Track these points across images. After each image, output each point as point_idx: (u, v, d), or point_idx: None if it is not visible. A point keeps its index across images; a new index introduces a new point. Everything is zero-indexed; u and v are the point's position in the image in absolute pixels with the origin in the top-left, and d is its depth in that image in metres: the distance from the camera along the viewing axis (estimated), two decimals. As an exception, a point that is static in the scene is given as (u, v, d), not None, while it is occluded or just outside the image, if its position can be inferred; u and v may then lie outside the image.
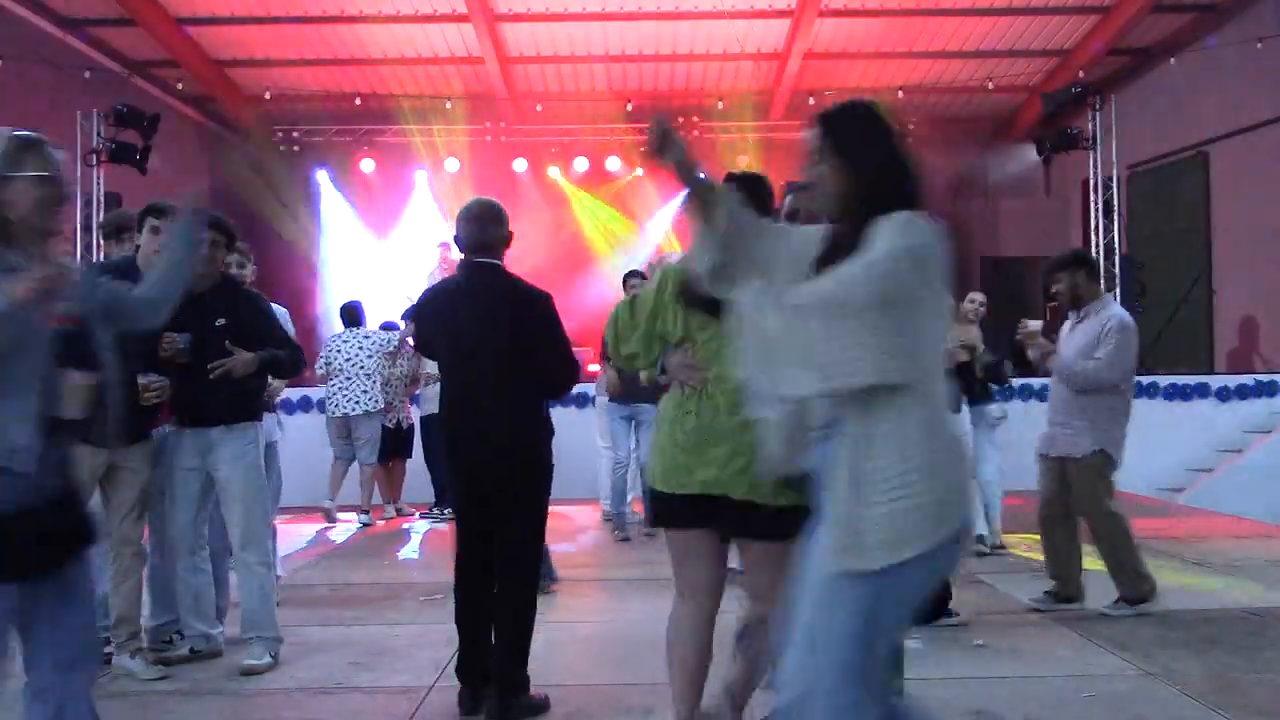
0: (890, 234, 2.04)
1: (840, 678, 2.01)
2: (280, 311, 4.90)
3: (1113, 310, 5.01)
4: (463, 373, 3.60)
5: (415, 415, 8.87)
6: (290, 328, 5.13)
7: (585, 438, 8.14)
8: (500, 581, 3.61)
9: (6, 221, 2.37)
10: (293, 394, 9.27)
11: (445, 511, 8.40)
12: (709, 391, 2.86)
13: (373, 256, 14.57)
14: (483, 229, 3.64)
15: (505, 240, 3.69)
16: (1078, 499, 4.93)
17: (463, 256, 3.70)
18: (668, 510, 2.94)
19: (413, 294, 10.75)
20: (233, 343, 4.10)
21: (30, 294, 2.27)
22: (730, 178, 2.94)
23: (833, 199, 2.23)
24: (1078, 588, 4.94)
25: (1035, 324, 5.12)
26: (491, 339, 3.54)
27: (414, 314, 3.99)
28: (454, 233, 3.70)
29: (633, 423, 7.48)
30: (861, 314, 1.96)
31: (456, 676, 3.65)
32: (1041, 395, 8.27)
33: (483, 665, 3.59)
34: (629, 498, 8.03)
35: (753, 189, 2.85)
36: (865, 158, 2.21)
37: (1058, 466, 4.99)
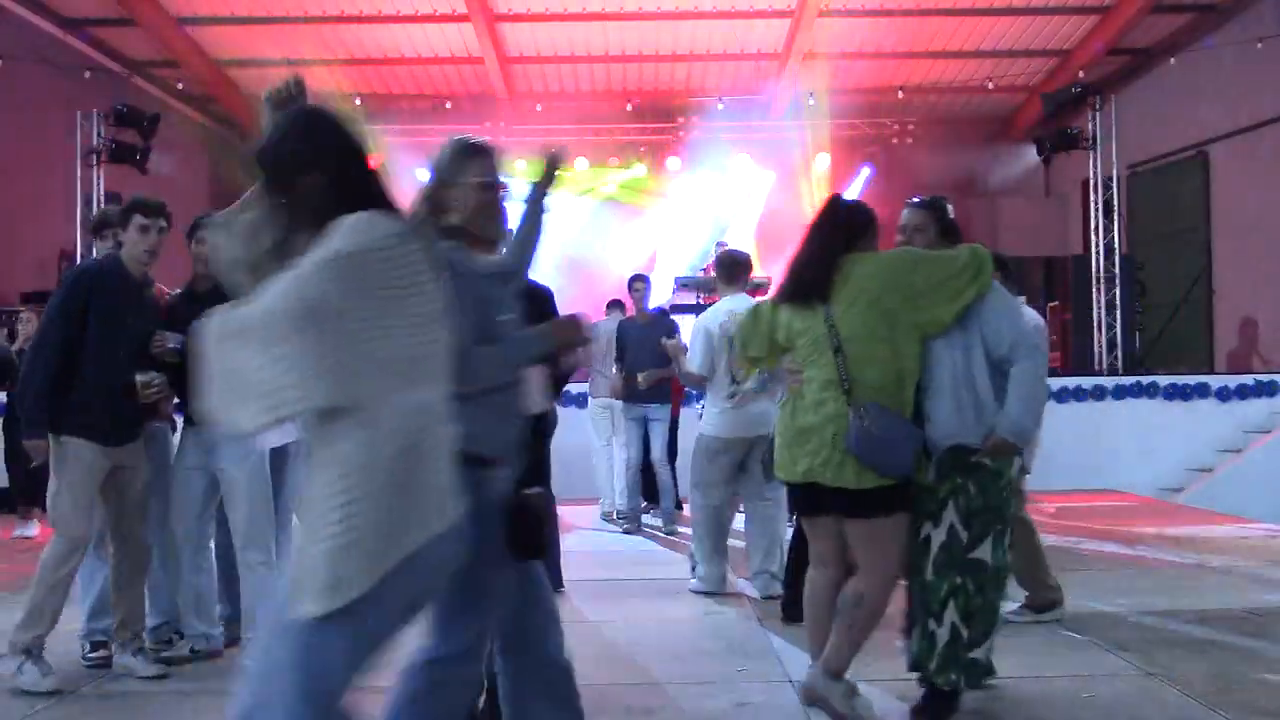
0: (325, 242, 1.86)
1: None
2: None
3: (1022, 313, 4.97)
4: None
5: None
6: None
7: (584, 437, 8.16)
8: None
9: (450, 225, 2.47)
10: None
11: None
12: (802, 391, 3.35)
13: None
14: None
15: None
16: None
17: None
18: (792, 498, 3.60)
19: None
20: None
21: (576, 338, 2.57)
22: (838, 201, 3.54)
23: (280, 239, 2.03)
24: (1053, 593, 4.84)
25: None
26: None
27: None
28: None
29: (645, 422, 7.51)
30: (284, 333, 1.76)
31: None
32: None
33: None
34: (641, 502, 8.04)
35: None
36: (300, 182, 1.98)
37: None
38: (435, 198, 2.49)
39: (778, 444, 3.47)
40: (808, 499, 3.42)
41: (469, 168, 2.48)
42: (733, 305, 5.39)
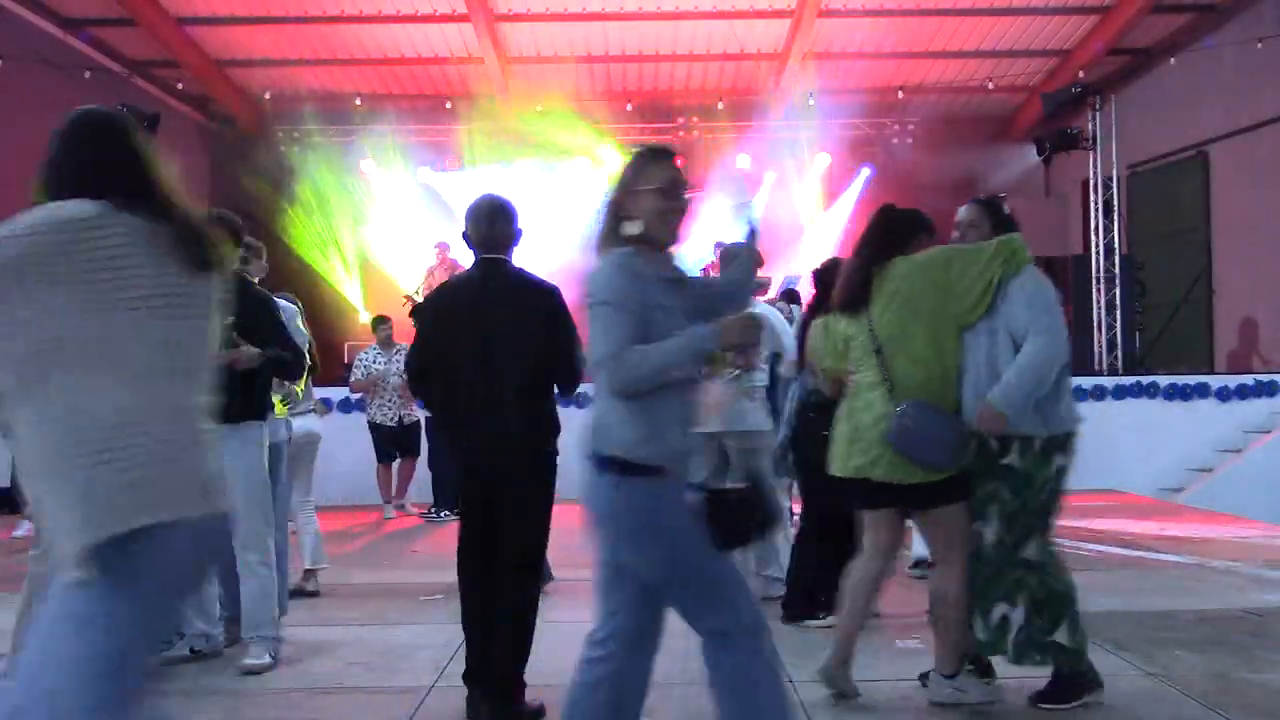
0: None
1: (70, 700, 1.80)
2: (288, 308, 4.91)
3: None
4: (472, 369, 3.56)
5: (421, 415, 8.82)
6: (299, 322, 5.15)
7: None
8: (502, 579, 3.59)
9: (630, 233, 2.50)
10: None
11: (444, 514, 8.38)
12: (854, 393, 3.60)
13: (372, 255, 14.60)
14: (491, 225, 3.63)
15: (515, 237, 3.67)
16: None
17: (472, 254, 3.69)
18: (846, 491, 3.67)
19: (413, 294, 10.76)
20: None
21: (746, 337, 2.49)
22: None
23: None
24: None
25: None
26: (501, 333, 3.53)
27: (418, 308, 3.96)
28: (463, 230, 3.68)
29: None
30: None
31: (464, 681, 3.61)
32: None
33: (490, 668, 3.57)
34: None
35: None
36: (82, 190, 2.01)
37: None
38: (617, 204, 2.55)
39: (836, 441, 3.65)
40: (863, 493, 3.60)
41: (650, 174, 2.52)
42: None
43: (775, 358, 5.27)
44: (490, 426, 3.52)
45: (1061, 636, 3.43)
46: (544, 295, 3.61)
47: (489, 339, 3.53)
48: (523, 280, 3.65)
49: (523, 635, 3.56)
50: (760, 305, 5.45)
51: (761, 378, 5.15)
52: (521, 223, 3.70)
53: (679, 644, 4.54)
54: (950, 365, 3.46)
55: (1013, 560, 3.45)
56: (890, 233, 3.62)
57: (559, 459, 3.69)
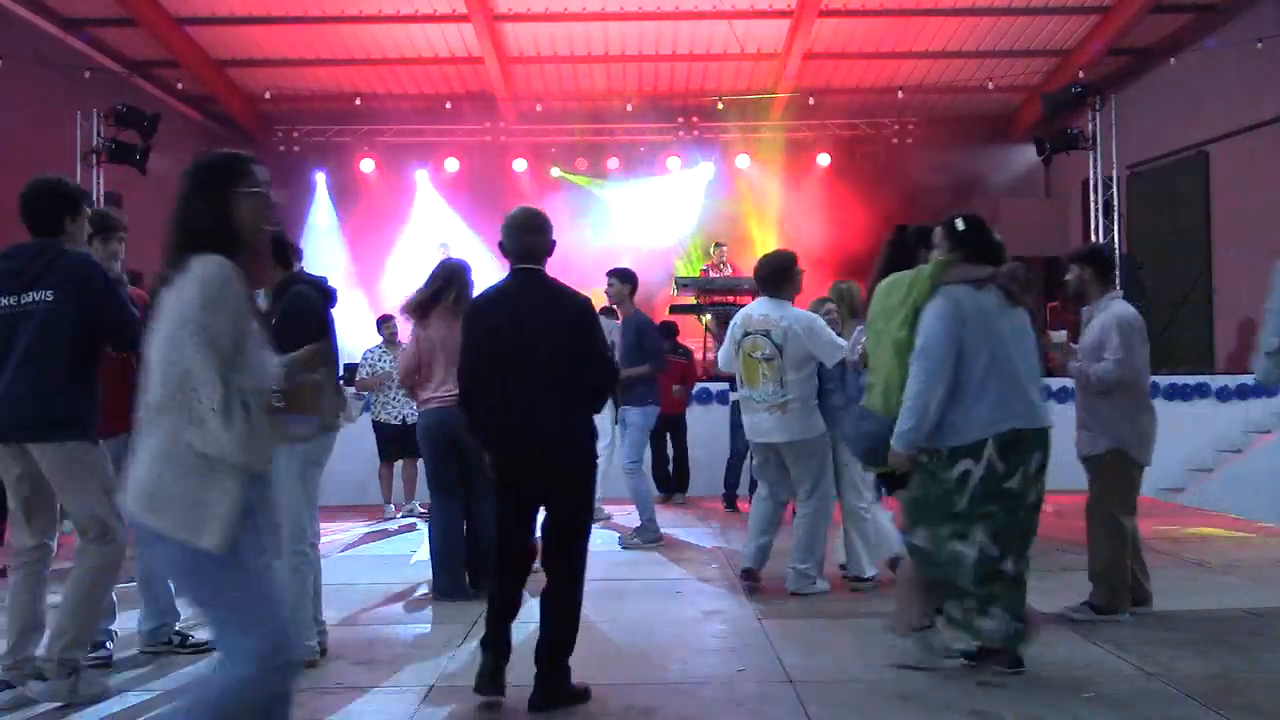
0: None
1: None
2: None
3: (1114, 308, 4.90)
4: (510, 375, 3.66)
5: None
6: None
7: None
8: (552, 575, 3.71)
9: None
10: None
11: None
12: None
13: (370, 256, 14.59)
14: (530, 238, 3.79)
15: (549, 249, 3.83)
16: (1090, 496, 4.88)
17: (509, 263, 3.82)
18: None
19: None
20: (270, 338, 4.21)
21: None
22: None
23: None
24: (1141, 591, 4.87)
25: (1059, 334, 5.13)
26: (540, 339, 3.64)
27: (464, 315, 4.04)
28: (499, 239, 3.81)
29: (618, 424, 7.38)
30: None
31: (481, 647, 3.69)
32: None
33: (508, 642, 3.70)
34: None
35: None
36: None
37: (1086, 468, 4.93)
38: None
39: None
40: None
41: None
42: (751, 310, 5.38)
43: (820, 366, 5.24)
44: (530, 424, 3.64)
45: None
46: (577, 304, 3.74)
47: (528, 345, 3.65)
48: (558, 290, 3.78)
49: (572, 631, 3.69)
50: (801, 312, 5.36)
51: (783, 392, 5.17)
52: (554, 235, 3.85)
53: (676, 644, 4.55)
54: (892, 378, 3.87)
55: (993, 576, 3.79)
56: (894, 253, 4.23)
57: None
